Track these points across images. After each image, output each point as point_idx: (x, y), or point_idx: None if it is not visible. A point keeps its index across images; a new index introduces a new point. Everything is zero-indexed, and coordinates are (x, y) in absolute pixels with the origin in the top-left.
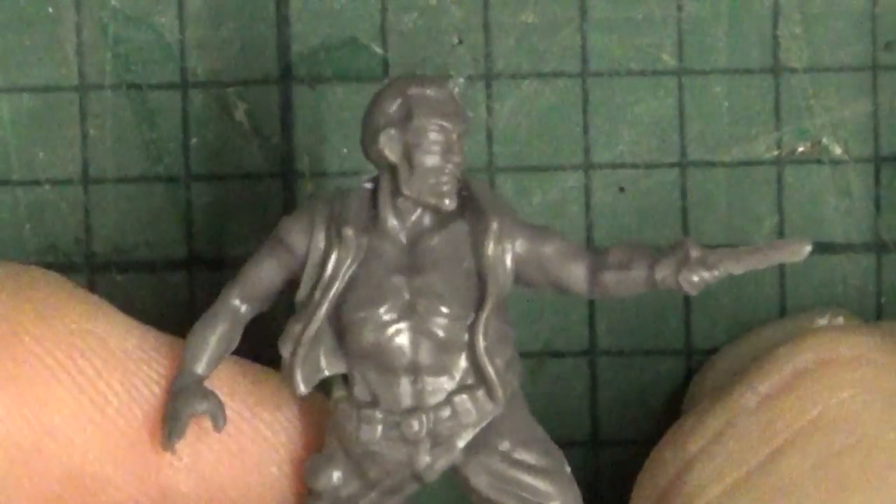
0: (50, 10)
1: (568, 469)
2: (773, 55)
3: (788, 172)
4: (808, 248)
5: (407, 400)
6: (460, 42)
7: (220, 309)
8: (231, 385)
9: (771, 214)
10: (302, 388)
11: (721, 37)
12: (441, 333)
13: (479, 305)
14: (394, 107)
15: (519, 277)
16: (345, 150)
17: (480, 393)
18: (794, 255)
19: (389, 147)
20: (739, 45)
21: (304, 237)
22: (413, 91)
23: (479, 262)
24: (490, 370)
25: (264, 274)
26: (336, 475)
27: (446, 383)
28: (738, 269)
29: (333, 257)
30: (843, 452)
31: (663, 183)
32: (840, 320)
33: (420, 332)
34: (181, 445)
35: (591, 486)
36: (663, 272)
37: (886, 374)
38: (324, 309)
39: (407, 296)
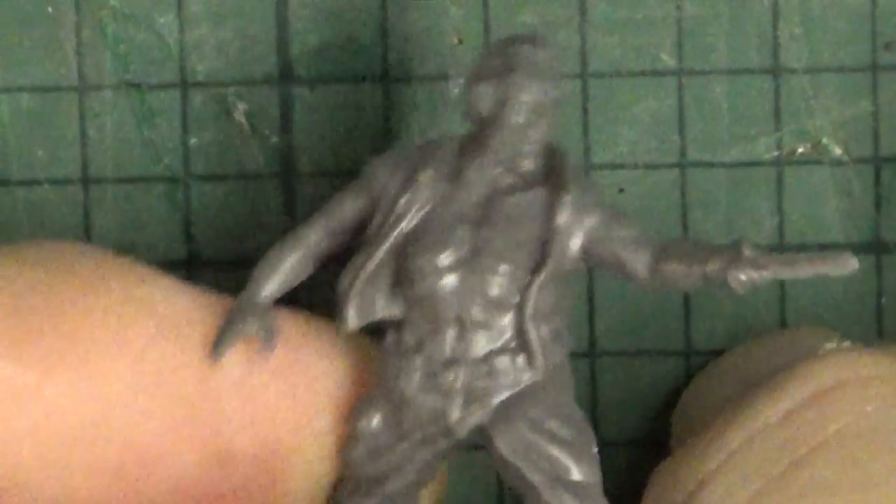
0: (49, 9)
1: (595, 450)
2: (773, 55)
3: (788, 173)
4: (856, 265)
5: (448, 351)
6: (460, 42)
7: (294, 237)
8: (286, 333)
9: (771, 215)
10: (352, 323)
11: (721, 37)
12: (493, 291)
13: (536, 271)
14: (495, 61)
15: (586, 253)
16: (344, 151)
17: (521, 357)
18: (842, 269)
19: (482, 100)
20: (739, 46)
21: (385, 176)
22: (515, 49)
23: (547, 230)
24: (533, 336)
25: (344, 209)
26: (376, 419)
27: (489, 341)
28: (786, 274)
29: (406, 197)
30: (862, 462)
31: (663, 183)
32: (847, 344)
33: (473, 285)
34: (240, 407)
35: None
36: (715, 266)
37: None
38: (386, 245)
39: (468, 247)
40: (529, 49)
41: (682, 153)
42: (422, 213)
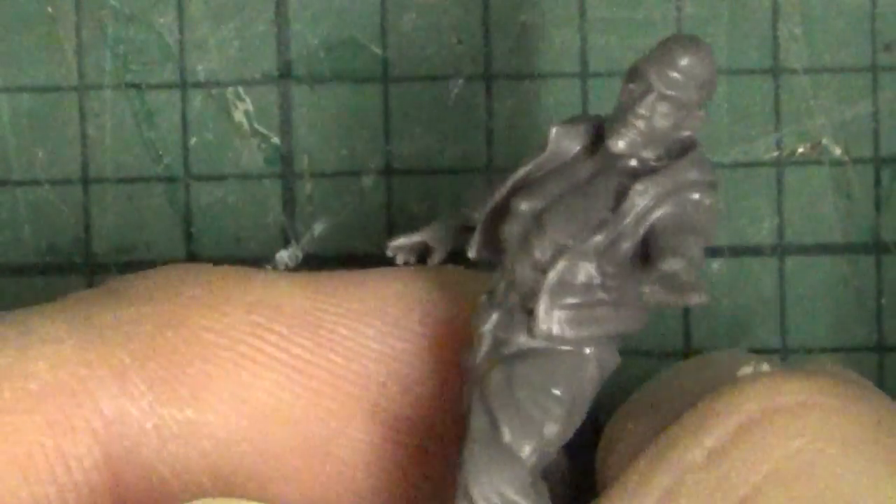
0: (49, 9)
1: (548, 430)
2: (772, 56)
3: (788, 173)
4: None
5: (499, 296)
6: (460, 42)
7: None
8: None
9: (771, 215)
10: (473, 252)
11: (721, 37)
12: (538, 250)
13: (576, 244)
14: (648, 67)
15: (645, 250)
16: (344, 151)
17: (531, 319)
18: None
19: (625, 97)
20: (739, 46)
21: (550, 128)
22: (666, 45)
23: (612, 213)
24: (541, 301)
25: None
26: (467, 355)
27: (521, 296)
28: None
29: (540, 150)
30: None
31: None
32: (765, 367)
33: (527, 239)
34: (389, 376)
35: (592, 488)
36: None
37: (835, 419)
38: (504, 186)
39: (544, 204)
40: (677, 51)
41: None
42: (539, 163)
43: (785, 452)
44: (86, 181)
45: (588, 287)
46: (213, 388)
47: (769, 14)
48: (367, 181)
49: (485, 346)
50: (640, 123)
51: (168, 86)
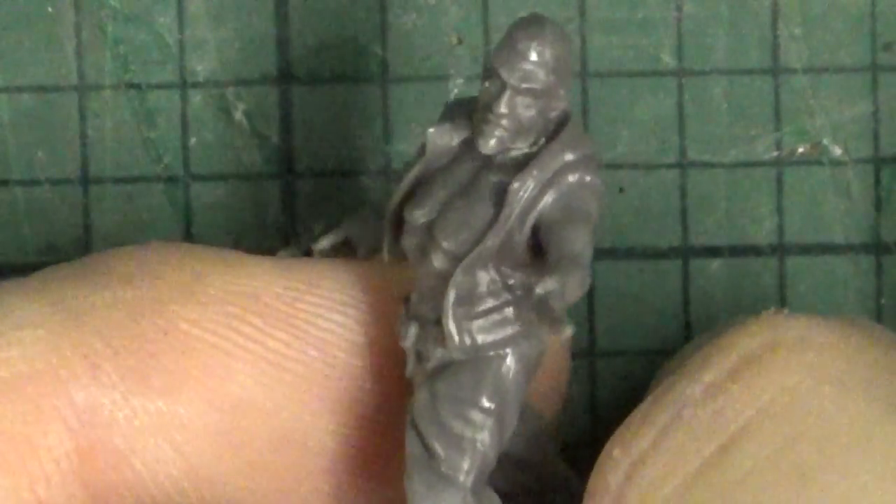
0: (49, 9)
1: (480, 444)
2: (772, 56)
3: (788, 173)
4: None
5: (414, 307)
6: (460, 42)
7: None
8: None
9: (771, 215)
10: (385, 254)
11: (721, 37)
12: (435, 261)
13: (469, 251)
14: (501, 52)
15: (538, 239)
16: (344, 151)
17: (441, 332)
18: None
19: (483, 93)
20: (739, 46)
21: (427, 130)
22: (510, 35)
23: (497, 213)
24: (447, 313)
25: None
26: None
27: (432, 309)
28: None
29: (418, 149)
30: (798, 440)
31: (663, 183)
32: (785, 311)
33: (424, 252)
34: (364, 368)
35: None
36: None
37: (832, 357)
38: (396, 197)
39: (434, 213)
40: (519, 39)
41: (682, 153)
42: (423, 168)
43: (780, 388)
44: (86, 181)
45: (492, 291)
46: (187, 379)
47: (769, 14)
48: (367, 181)
49: (410, 362)
50: (504, 122)
51: (168, 86)
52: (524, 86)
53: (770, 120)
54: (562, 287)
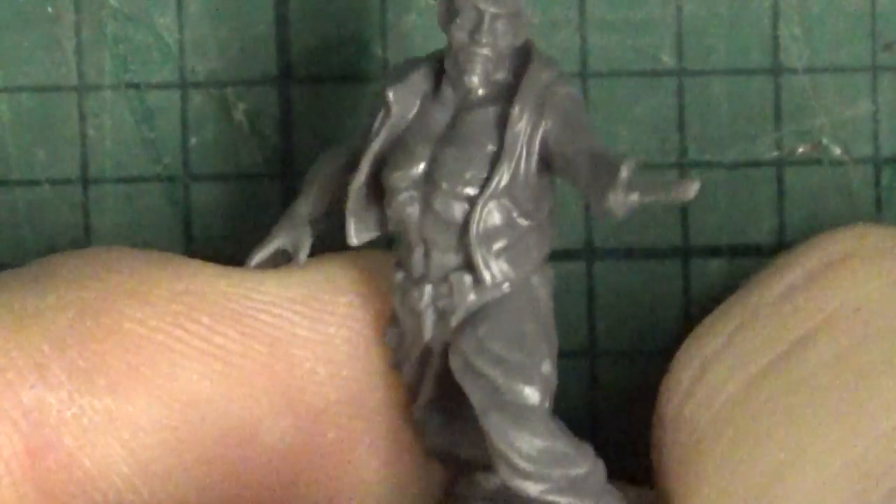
0: (49, 9)
1: (546, 369)
2: (772, 55)
3: (788, 173)
4: (692, 192)
5: (419, 269)
6: None
7: (340, 148)
8: (338, 279)
9: (771, 215)
10: (353, 240)
11: (721, 37)
12: (445, 209)
13: (483, 188)
14: None
15: (545, 164)
16: None
17: (472, 275)
18: (683, 194)
19: (439, 19)
20: (739, 46)
21: (385, 91)
22: None
23: (499, 145)
24: (476, 254)
25: (368, 122)
26: (391, 334)
27: (449, 259)
28: (649, 198)
29: (379, 116)
30: (866, 342)
31: None
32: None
33: (428, 204)
34: (316, 361)
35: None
36: (597, 188)
37: None
38: (366, 163)
39: (424, 166)
40: None
41: (682, 153)
42: (392, 130)
43: (856, 293)
44: (85, 181)
45: (510, 223)
46: (134, 377)
47: (769, 14)
48: None
49: (429, 322)
50: (486, 51)
51: (168, 86)
52: (500, 11)
53: (770, 120)
54: (634, 164)
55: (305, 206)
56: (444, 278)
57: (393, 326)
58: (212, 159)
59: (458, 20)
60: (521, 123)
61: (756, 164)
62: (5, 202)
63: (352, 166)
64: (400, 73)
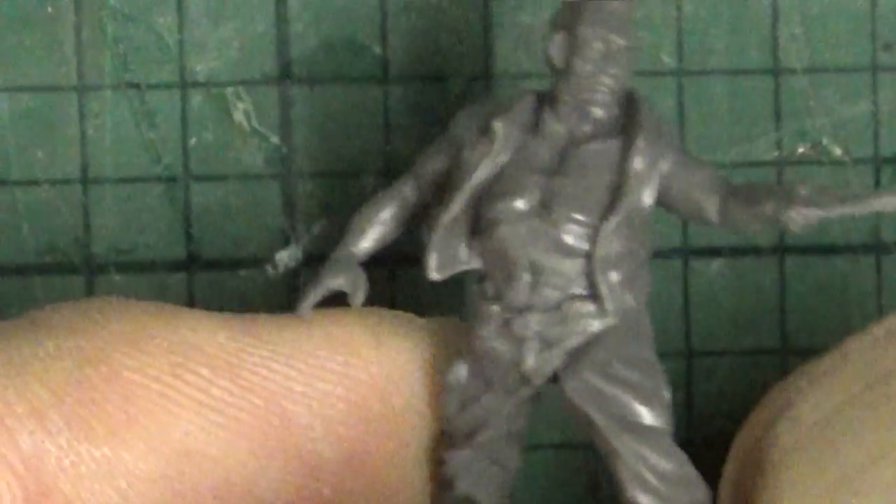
0: (49, 9)
1: (667, 395)
2: (772, 56)
3: (788, 173)
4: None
5: (523, 298)
6: (460, 42)
7: (387, 192)
8: (345, 335)
9: None
10: (435, 274)
11: (721, 37)
12: (564, 238)
13: (606, 217)
14: (568, 12)
15: (661, 197)
16: (344, 151)
17: (591, 304)
18: (888, 206)
19: (556, 50)
20: (739, 46)
21: (464, 128)
22: (592, 2)
23: (619, 177)
24: (602, 283)
25: (430, 163)
26: (463, 370)
27: (562, 288)
28: (840, 211)
29: (479, 148)
30: None
31: None
32: None
33: (545, 232)
34: (312, 417)
35: (592, 488)
36: (771, 207)
37: None
38: (462, 197)
39: (540, 196)
40: (605, 3)
41: None
42: (496, 162)
43: None
44: (85, 181)
45: (630, 252)
46: (131, 426)
47: (769, 14)
48: (367, 181)
49: (532, 352)
50: (611, 81)
51: (168, 86)
52: (627, 43)
53: (770, 120)
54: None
55: (359, 245)
56: (557, 307)
57: (463, 362)
58: (212, 159)
59: (583, 52)
60: (642, 156)
61: (756, 164)
62: (5, 202)
63: (408, 209)
64: (504, 109)
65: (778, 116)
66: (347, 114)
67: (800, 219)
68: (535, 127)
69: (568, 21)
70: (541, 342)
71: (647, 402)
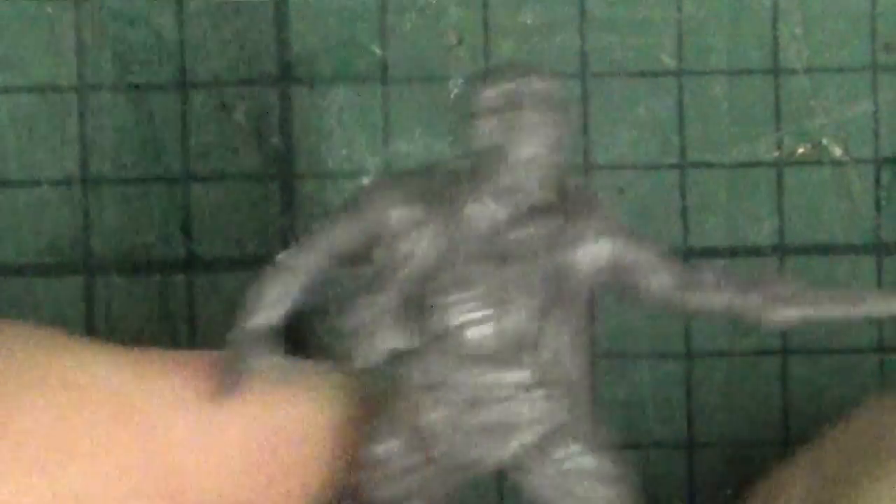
0: (49, 9)
1: (619, 469)
2: (773, 56)
3: (789, 173)
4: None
5: (469, 389)
6: (460, 42)
7: (284, 265)
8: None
9: (771, 216)
10: (365, 362)
11: (721, 37)
12: (512, 327)
13: (555, 304)
14: (495, 93)
15: (604, 279)
16: (344, 151)
17: (542, 393)
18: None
19: (487, 133)
20: (739, 46)
21: (381, 209)
22: (518, 82)
23: (561, 261)
24: (555, 371)
25: (337, 237)
26: (395, 444)
27: (511, 378)
28: (829, 312)
29: (409, 237)
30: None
31: (663, 184)
32: None
33: (493, 322)
34: (201, 465)
35: None
36: (750, 303)
37: None
38: (395, 288)
39: (487, 285)
40: (533, 81)
41: (682, 154)
42: (429, 251)
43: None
44: (86, 181)
45: (578, 336)
46: (15, 472)
47: (769, 14)
48: (367, 181)
49: (483, 443)
50: (548, 163)
51: (167, 86)
52: (559, 124)
53: (770, 120)
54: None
55: (261, 321)
56: (506, 398)
57: (393, 437)
58: (212, 159)
59: (519, 135)
60: (585, 238)
61: (756, 164)
62: (4, 202)
63: (313, 281)
64: (422, 188)
65: (778, 116)
66: (347, 114)
67: (782, 322)
68: (455, 208)
69: (497, 104)
70: (493, 431)
71: (618, 489)
